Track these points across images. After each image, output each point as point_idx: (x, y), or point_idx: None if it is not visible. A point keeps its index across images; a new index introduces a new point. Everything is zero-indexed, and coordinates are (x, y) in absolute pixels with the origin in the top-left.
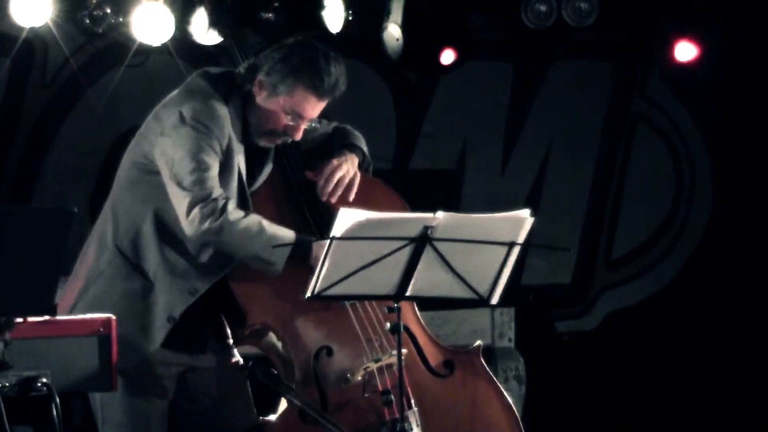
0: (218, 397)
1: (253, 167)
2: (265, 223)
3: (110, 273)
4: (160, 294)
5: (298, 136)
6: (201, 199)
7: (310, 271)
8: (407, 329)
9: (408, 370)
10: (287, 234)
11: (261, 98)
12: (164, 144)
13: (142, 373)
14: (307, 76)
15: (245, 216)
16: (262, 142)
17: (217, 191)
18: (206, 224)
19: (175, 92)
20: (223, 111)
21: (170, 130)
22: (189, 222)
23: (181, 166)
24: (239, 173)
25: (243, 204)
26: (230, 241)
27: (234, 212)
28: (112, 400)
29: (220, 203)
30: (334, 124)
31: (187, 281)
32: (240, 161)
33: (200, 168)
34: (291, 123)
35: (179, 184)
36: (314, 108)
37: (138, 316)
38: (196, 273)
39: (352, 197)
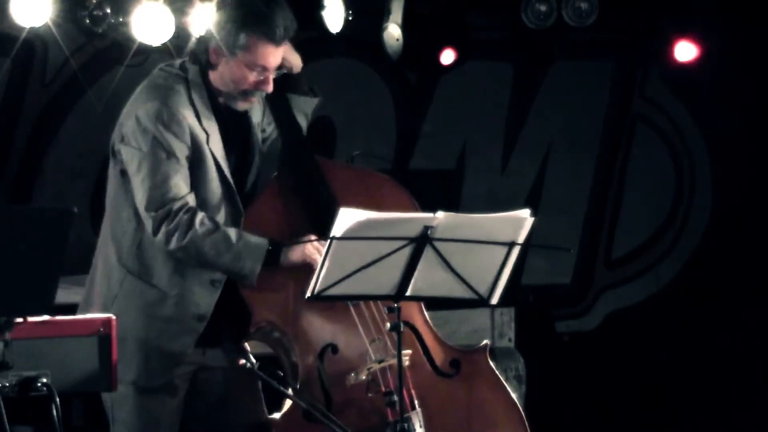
0: (229, 397)
1: (233, 135)
2: (234, 235)
3: (124, 293)
4: (180, 300)
5: (270, 87)
6: (164, 216)
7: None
8: (414, 328)
9: (413, 370)
10: (259, 244)
11: (222, 64)
12: (126, 153)
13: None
14: (257, 27)
15: (214, 230)
16: (240, 105)
17: (180, 202)
18: (173, 242)
19: (136, 90)
20: (181, 100)
21: (129, 137)
22: (158, 241)
23: (139, 184)
24: (216, 161)
25: (227, 190)
26: (199, 255)
27: (201, 226)
28: (123, 400)
29: (185, 217)
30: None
31: (205, 272)
32: (214, 146)
33: (158, 181)
34: (260, 78)
35: (141, 204)
36: (275, 56)
37: (163, 327)
38: None
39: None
